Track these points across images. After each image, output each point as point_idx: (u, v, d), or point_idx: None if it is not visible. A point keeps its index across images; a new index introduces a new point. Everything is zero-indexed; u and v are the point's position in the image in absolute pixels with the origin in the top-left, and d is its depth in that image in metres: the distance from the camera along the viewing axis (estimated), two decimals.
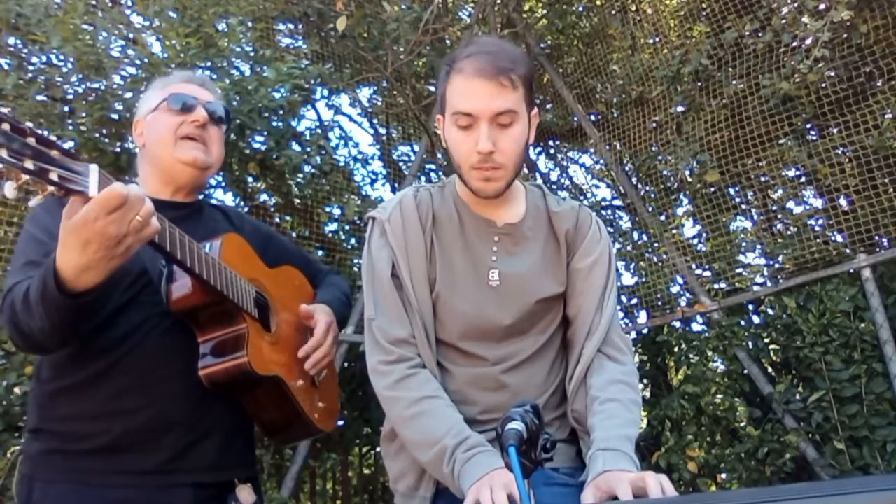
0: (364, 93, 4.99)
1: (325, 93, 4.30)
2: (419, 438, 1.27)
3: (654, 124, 4.12)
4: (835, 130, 3.61)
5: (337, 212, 3.94)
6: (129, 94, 2.86)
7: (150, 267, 1.40)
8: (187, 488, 1.38)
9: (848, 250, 3.48)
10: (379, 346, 1.35)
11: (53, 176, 1.01)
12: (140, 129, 1.58)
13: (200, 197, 1.67)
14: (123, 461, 1.34)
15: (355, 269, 3.76)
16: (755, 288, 3.79)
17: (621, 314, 4.30)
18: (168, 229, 1.23)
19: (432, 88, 4.50)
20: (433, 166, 4.45)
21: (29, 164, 0.99)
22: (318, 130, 4.20)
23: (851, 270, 3.35)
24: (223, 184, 3.52)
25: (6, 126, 0.98)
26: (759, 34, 3.59)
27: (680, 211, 4.35)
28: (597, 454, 1.18)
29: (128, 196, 1.09)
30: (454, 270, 1.38)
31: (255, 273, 1.52)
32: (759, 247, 3.97)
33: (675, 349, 3.98)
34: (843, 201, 3.71)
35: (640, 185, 4.41)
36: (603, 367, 1.35)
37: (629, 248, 4.41)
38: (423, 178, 4.42)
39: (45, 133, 1.03)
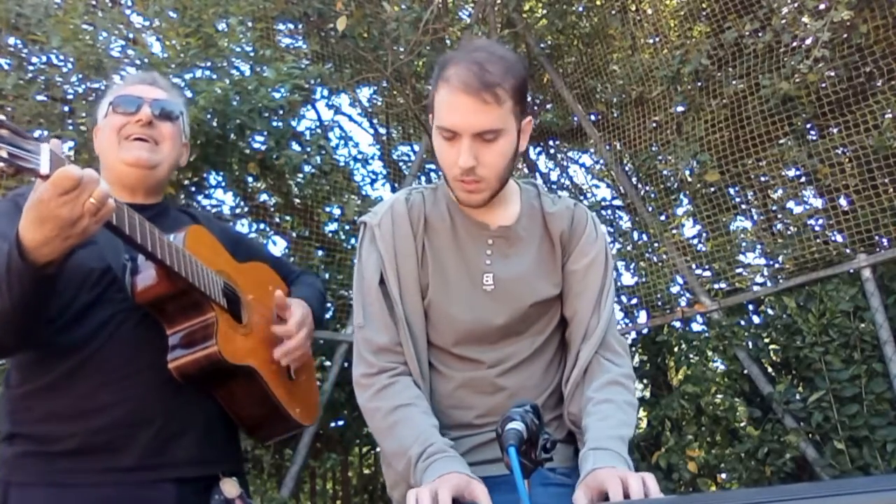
0: (364, 93, 4.99)
1: (325, 93, 4.30)
2: (393, 449, 1.25)
3: (654, 124, 4.12)
4: (835, 130, 3.60)
5: (337, 212, 3.94)
6: None
7: (114, 264, 1.38)
8: (170, 484, 1.36)
9: (848, 250, 3.48)
10: (362, 358, 1.34)
11: (2, 153, 1.00)
12: (97, 137, 1.57)
13: (166, 200, 1.65)
14: (101, 460, 1.32)
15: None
16: (755, 288, 3.79)
17: (621, 314, 4.30)
18: (127, 213, 1.21)
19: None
20: (433, 166, 4.45)
21: None
22: (318, 130, 4.19)
23: (851, 270, 3.34)
24: (223, 184, 3.52)
25: None
26: (759, 34, 3.59)
27: (680, 211, 4.35)
28: (587, 454, 1.17)
29: (81, 178, 1.08)
30: (447, 275, 1.36)
31: (222, 265, 1.49)
32: (759, 247, 3.97)
33: (675, 349, 3.98)
34: (843, 201, 3.71)
35: (640, 185, 4.41)
36: (599, 369, 1.33)
37: (629, 248, 4.41)
38: (423, 178, 4.42)
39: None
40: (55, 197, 1.07)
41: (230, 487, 1.42)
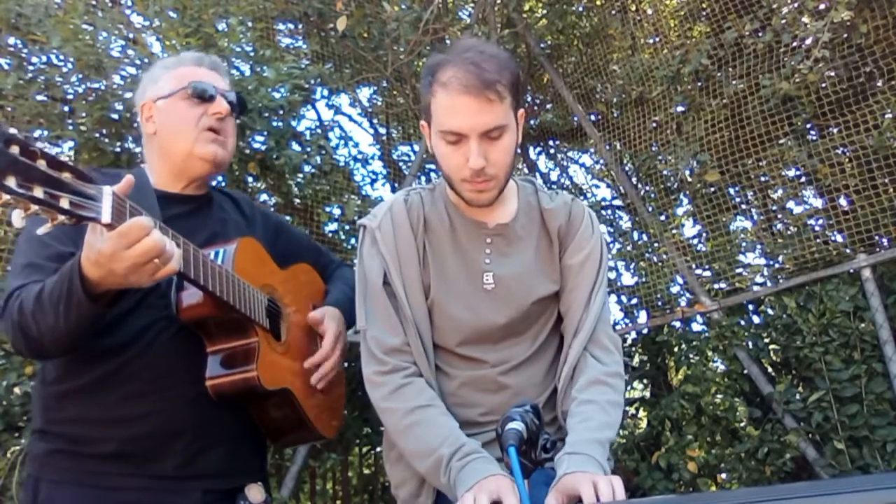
0: (364, 93, 4.99)
1: (325, 93, 4.30)
2: (415, 448, 1.26)
3: (654, 124, 4.12)
4: (835, 130, 3.60)
5: (337, 212, 3.94)
6: (129, 94, 2.85)
7: None
8: (198, 492, 1.37)
9: (848, 250, 3.48)
10: (373, 357, 1.34)
11: (64, 203, 0.96)
12: (149, 113, 1.49)
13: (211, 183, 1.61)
14: (132, 466, 1.33)
15: (355, 269, 3.75)
16: (755, 288, 3.79)
17: (621, 314, 4.30)
18: (182, 248, 1.19)
19: None
20: (433, 166, 4.45)
21: (39, 193, 0.93)
22: (318, 130, 4.19)
23: (851, 270, 3.34)
24: (223, 184, 3.52)
25: (16, 149, 0.90)
26: (759, 34, 3.59)
27: (680, 211, 4.34)
28: (562, 458, 1.17)
29: (163, 249, 1.08)
30: (447, 275, 1.37)
31: (268, 278, 1.49)
32: (759, 247, 3.97)
33: (675, 349, 3.97)
34: (843, 201, 3.70)
35: (640, 185, 4.41)
36: (586, 366, 1.33)
37: (629, 248, 4.40)
38: (423, 178, 4.41)
39: (55, 151, 0.99)
40: (121, 250, 1.06)
41: (255, 493, 1.42)
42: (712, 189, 3.93)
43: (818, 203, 3.93)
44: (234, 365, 1.35)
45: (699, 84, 3.94)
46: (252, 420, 1.47)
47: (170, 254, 1.11)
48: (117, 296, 1.19)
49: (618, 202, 4.96)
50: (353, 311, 1.71)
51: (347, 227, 3.96)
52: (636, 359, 4.28)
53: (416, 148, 4.49)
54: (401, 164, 4.65)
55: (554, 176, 5.54)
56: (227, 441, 1.42)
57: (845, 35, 3.46)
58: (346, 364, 3.66)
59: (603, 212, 4.79)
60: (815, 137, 3.77)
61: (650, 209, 4.12)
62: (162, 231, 1.13)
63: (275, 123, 3.26)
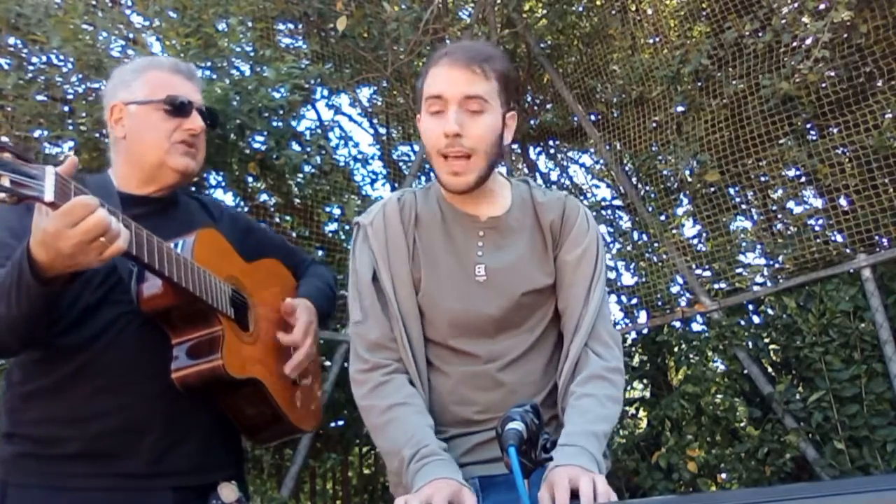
0: (364, 93, 4.99)
1: (325, 93, 4.30)
2: (386, 448, 1.28)
3: (654, 124, 4.12)
4: (835, 130, 3.60)
5: (337, 212, 3.94)
6: None
7: (119, 265, 1.36)
8: (168, 491, 1.35)
9: (848, 250, 3.48)
10: (357, 355, 1.36)
11: (5, 181, 0.97)
12: (119, 115, 1.47)
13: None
14: (100, 465, 1.31)
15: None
16: (755, 288, 3.79)
17: (621, 314, 4.30)
18: (134, 231, 1.18)
19: None
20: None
21: None
22: (318, 130, 4.19)
23: (851, 270, 3.34)
24: (223, 184, 3.52)
25: None
26: (759, 34, 3.59)
27: (680, 211, 4.34)
28: (556, 450, 1.18)
29: (109, 227, 1.08)
30: (439, 268, 1.38)
31: (232, 270, 1.47)
32: (759, 247, 3.97)
33: (675, 349, 3.98)
34: (843, 201, 3.70)
35: (640, 185, 4.41)
36: (586, 362, 1.34)
37: (629, 248, 4.40)
38: (423, 178, 4.42)
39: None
40: (65, 229, 1.06)
41: (228, 492, 1.40)
42: (712, 189, 3.93)
43: (818, 203, 3.94)
44: (200, 355, 1.33)
45: (699, 84, 3.94)
46: (224, 415, 1.45)
47: (115, 232, 1.10)
48: (70, 279, 1.18)
49: (618, 202, 4.96)
50: (326, 305, 1.72)
51: (347, 227, 3.96)
52: (636, 359, 4.28)
53: (416, 148, 4.49)
54: (401, 164, 4.65)
55: (554, 176, 5.55)
56: (198, 436, 1.40)
57: (845, 35, 3.46)
58: (345, 364, 3.67)
59: (603, 212, 4.79)
60: (815, 137, 3.77)
61: (650, 209, 4.12)
62: (110, 213, 1.12)
63: (275, 123, 3.26)
